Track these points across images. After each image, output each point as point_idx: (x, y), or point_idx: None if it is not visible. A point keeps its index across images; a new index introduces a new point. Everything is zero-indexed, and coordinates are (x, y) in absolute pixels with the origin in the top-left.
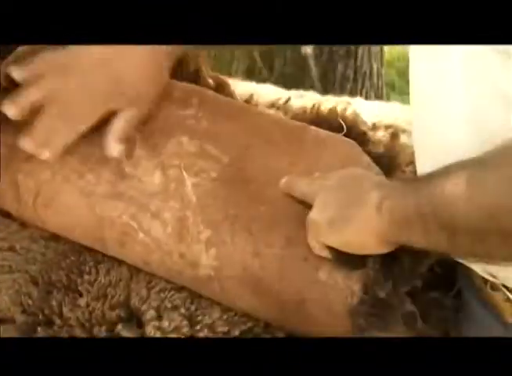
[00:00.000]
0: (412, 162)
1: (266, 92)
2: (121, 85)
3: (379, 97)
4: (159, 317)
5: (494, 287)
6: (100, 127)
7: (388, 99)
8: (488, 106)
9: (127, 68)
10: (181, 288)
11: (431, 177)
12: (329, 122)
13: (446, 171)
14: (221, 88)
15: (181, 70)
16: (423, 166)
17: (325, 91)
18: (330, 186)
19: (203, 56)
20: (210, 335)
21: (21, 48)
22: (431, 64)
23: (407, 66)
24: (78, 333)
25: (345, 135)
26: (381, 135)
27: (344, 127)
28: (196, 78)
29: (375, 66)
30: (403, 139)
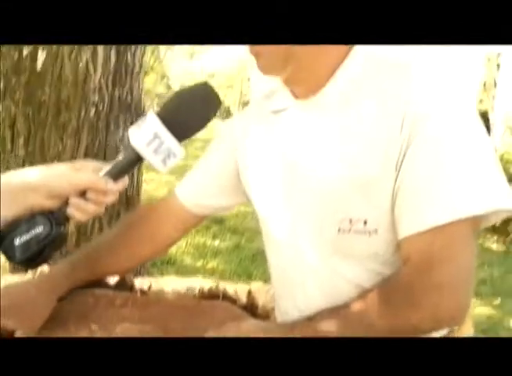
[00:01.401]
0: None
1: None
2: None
3: None
4: None
5: None
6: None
7: None
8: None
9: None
10: None
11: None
12: (211, 296)
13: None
14: (143, 292)
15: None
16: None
17: None
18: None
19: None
20: None
21: None
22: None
23: None
24: None
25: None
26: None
27: (221, 296)
28: (125, 286)
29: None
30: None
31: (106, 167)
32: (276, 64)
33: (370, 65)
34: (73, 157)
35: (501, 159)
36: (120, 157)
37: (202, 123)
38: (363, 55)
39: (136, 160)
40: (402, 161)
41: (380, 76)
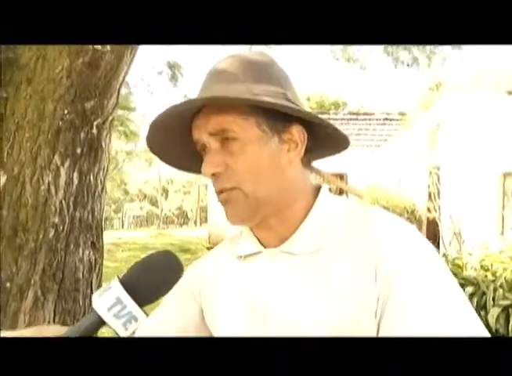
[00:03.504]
0: None
1: None
2: None
3: None
4: None
5: None
6: None
7: None
8: None
9: None
10: None
11: None
12: None
13: None
14: None
15: None
16: None
17: None
18: None
19: None
20: None
21: None
22: None
23: None
24: None
25: None
26: None
27: None
28: None
29: None
30: None
31: (67, 329)
32: (245, 214)
33: (337, 214)
34: (27, 279)
35: (452, 264)
36: (81, 320)
37: (164, 289)
38: (329, 203)
39: (96, 324)
40: (384, 309)
41: (347, 225)
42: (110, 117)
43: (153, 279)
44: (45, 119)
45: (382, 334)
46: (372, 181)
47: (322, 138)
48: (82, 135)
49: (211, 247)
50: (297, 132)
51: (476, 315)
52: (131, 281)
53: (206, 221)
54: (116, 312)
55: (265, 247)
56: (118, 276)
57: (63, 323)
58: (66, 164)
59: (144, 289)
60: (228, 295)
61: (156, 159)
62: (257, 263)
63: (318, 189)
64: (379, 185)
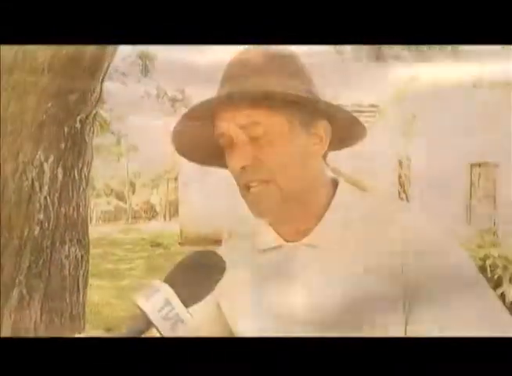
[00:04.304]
0: None
1: None
2: None
3: None
4: None
5: None
6: None
7: None
8: None
9: None
10: None
11: None
12: None
13: None
14: None
15: None
16: None
17: None
18: None
19: None
20: None
21: None
22: None
23: None
24: None
25: None
26: None
27: None
28: None
29: None
30: None
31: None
32: (274, 207)
33: (357, 206)
34: (12, 278)
35: None
36: (129, 325)
37: (207, 289)
38: (348, 195)
39: (144, 327)
40: (412, 302)
41: (369, 217)
42: (94, 111)
43: (196, 279)
44: (27, 112)
45: (411, 324)
46: (343, 171)
47: (341, 130)
48: (66, 129)
49: (183, 243)
50: (323, 127)
51: (503, 306)
52: (175, 282)
53: (175, 215)
54: (165, 314)
55: (285, 240)
56: (160, 279)
57: (50, 322)
58: (50, 159)
59: (188, 290)
60: (249, 290)
61: (125, 153)
62: (278, 257)
63: (334, 182)
64: (350, 175)
